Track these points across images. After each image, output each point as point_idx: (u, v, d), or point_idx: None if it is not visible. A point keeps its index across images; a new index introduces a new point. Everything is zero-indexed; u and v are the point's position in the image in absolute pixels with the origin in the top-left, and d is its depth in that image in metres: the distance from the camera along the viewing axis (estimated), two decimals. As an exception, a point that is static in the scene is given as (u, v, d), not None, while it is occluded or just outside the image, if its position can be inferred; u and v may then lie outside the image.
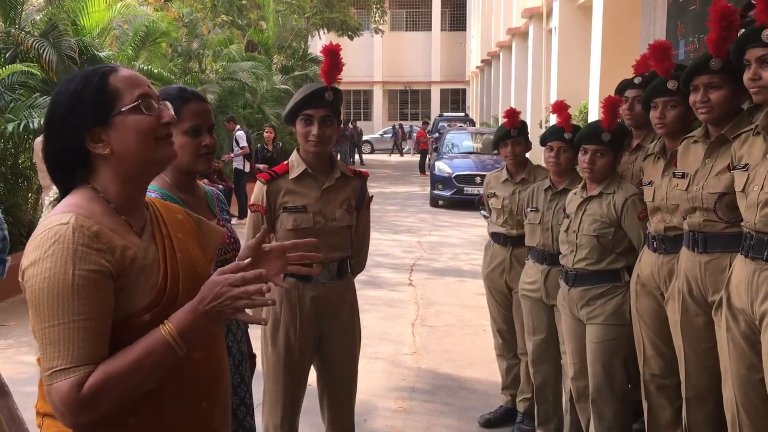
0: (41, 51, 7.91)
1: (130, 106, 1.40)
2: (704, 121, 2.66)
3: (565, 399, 3.61)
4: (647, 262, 2.99)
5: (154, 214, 1.54)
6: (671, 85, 2.88)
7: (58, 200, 1.47)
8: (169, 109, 1.48)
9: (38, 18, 9.11)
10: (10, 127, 7.12)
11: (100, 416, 1.31)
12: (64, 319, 1.28)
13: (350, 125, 25.50)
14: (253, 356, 2.35)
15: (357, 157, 25.44)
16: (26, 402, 2.18)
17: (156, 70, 11.23)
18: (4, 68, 7.72)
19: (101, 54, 9.03)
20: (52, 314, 1.28)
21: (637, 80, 3.49)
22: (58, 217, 1.35)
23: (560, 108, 3.51)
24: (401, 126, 32.24)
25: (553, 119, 3.66)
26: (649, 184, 3.01)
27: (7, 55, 8.32)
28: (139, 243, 1.43)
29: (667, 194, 2.84)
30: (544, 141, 3.52)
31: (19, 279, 1.36)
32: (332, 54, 2.81)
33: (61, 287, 1.28)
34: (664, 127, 2.94)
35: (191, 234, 1.60)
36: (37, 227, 1.38)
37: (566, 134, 3.40)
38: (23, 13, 8.71)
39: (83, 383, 1.27)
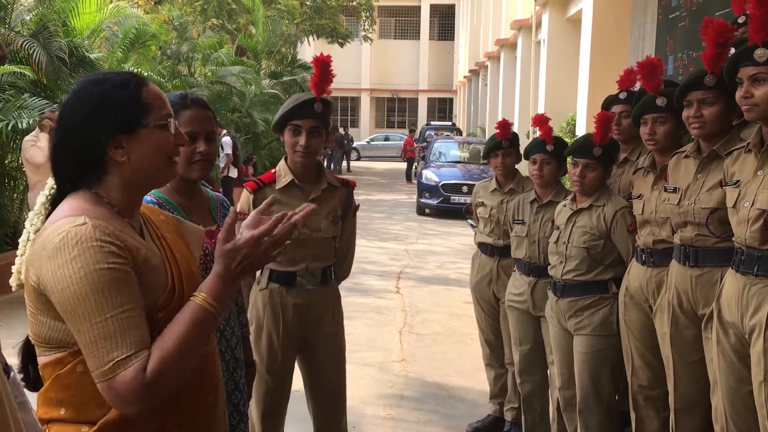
0: (31, 51, 7.88)
1: (159, 123, 1.45)
2: (696, 136, 2.71)
3: (552, 408, 3.65)
4: (636, 274, 3.04)
5: (145, 217, 1.57)
6: (660, 101, 2.94)
7: (53, 198, 1.46)
8: (181, 131, 1.52)
9: (28, 18, 9.06)
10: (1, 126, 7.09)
11: (166, 395, 1.33)
12: (112, 311, 1.29)
13: (341, 132, 25.50)
14: (252, 364, 2.36)
15: (345, 163, 25.45)
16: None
17: (145, 73, 11.19)
18: (-7, 68, 7.67)
19: (91, 55, 8.99)
20: (101, 308, 1.29)
21: (622, 95, 3.56)
22: (70, 219, 1.34)
23: (541, 121, 3.56)
24: (345, 132, 26.63)
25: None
26: (638, 197, 3.06)
27: (-3, 54, 8.27)
28: (145, 243, 1.46)
29: (656, 208, 2.89)
30: (527, 154, 3.57)
31: (32, 283, 1.35)
32: (323, 65, 2.81)
33: (101, 282, 1.29)
34: (655, 143, 3.00)
35: (176, 233, 1.63)
36: (45, 230, 1.36)
37: (548, 146, 3.46)
38: (13, 13, 8.67)
39: (145, 367, 1.29)
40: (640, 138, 3.13)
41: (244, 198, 2.88)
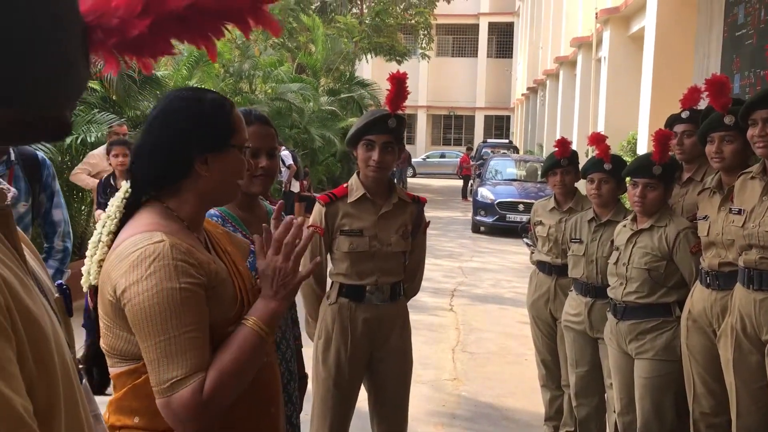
0: (101, 69, 8.19)
1: (242, 145, 1.52)
2: (762, 156, 2.63)
3: (609, 433, 3.56)
4: (699, 297, 2.95)
5: (207, 231, 1.61)
6: (728, 120, 2.86)
7: (129, 201, 1.50)
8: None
9: (99, 37, 9.43)
10: (68, 140, 7.38)
11: (218, 415, 1.37)
12: (177, 331, 1.34)
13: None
14: (305, 377, 2.38)
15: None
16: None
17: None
18: (66, 84, 8.00)
19: (158, 73, 9.30)
20: (166, 328, 1.33)
21: (684, 114, 3.47)
22: (147, 235, 1.38)
23: (598, 139, 3.51)
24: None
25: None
26: (704, 218, 2.98)
27: (69, 71, 8.63)
28: (213, 258, 1.49)
29: (722, 230, 2.81)
30: (585, 173, 3.52)
31: (108, 296, 1.39)
32: (398, 82, 2.86)
33: (170, 302, 1.33)
34: (721, 161, 2.92)
35: (232, 246, 1.66)
36: (121, 245, 1.39)
37: (606, 165, 3.40)
38: (86, 32, 9.03)
39: (202, 389, 1.34)
40: (705, 157, 3.05)
41: (316, 211, 2.92)
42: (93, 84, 8.09)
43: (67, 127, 0.90)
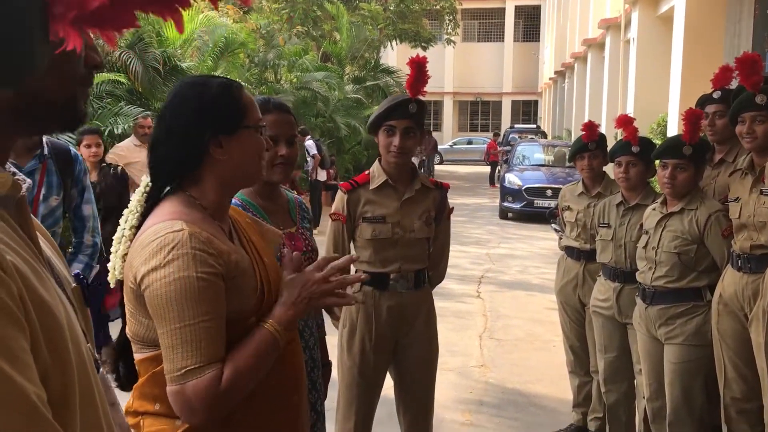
0: (128, 62, 8.28)
1: (256, 125, 1.52)
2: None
3: (638, 419, 3.52)
4: (731, 281, 2.89)
5: (233, 219, 1.60)
6: (760, 99, 2.79)
7: (150, 194, 1.51)
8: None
9: (125, 30, 9.51)
10: (97, 133, 7.48)
11: (227, 411, 1.38)
12: (192, 320, 1.34)
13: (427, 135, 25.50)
14: (328, 364, 2.38)
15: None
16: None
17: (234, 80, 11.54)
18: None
19: (183, 64, 9.36)
20: (182, 315, 1.33)
21: (716, 95, 3.40)
22: (168, 224, 1.39)
23: (625, 122, 3.44)
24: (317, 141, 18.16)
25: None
26: (735, 200, 2.91)
27: (97, 65, 8.74)
28: (235, 248, 1.49)
29: (754, 211, 2.74)
30: (612, 156, 3.46)
31: (130, 284, 1.40)
32: (418, 66, 2.82)
33: (187, 290, 1.34)
34: (753, 141, 2.85)
35: (261, 236, 1.66)
36: (143, 234, 1.41)
37: (634, 147, 3.34)
38: (112, 25, 9.12)
39: (220, 379, 1.34)
40: (737, 138, 2.98)
41: (338, 199, 2.91)
42: (119, 77, 8.18)
43: (80, 116, 0.90)
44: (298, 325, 1.53)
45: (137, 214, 1.50)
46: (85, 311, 1.01)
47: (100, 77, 8.07)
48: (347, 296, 1.58)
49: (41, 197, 3.11)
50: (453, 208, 3.09)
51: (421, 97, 2.79)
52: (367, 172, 2.94)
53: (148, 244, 1.37)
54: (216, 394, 1.34)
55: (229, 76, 10.77)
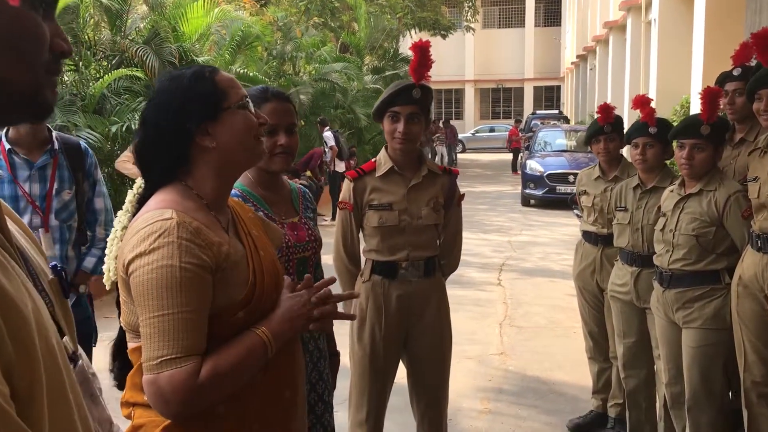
0: (144, 57, 8.32)
1: (239, 103, 1.48)
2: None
3: (658, 405, 3.46)
4: (751, 262, 2.81)
5: (234, 212, 1.58)
6: (778, 74, 2.70)
7: (143, 195, 1.51)
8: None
9: (142, 26, 9.57)
10: (114, 128, 7.54)
11: (201, 408, 1.35)
12: (172, 309, 1.31)
13: (442, 125, 25.36)
14: (336, 354, 2.36)
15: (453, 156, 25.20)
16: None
17: (252, 73, 11.54)
18: (110, 74, 8.16)
19: (200, 59, 9.37)
20: (161, 304, 1.31)
21: (735, 72, 3.31)
22: (158, 212, 1.38)
23: (642, 102, 3.36)
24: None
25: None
26: (754, 179, 2.83)
27: (114, 61, 8.80)
28: (229, 239, 1.47)
29: (772, 190, 2.66)
30: (628, 138, 3.39)
31: (120, 272, 1.40)
32: (421, 51, 2.78)
33: (169, 278, 1.31)
34: (770, 119, 2.76)
35: (263, 232, 1.64)
36: (135, 221, 1.40)
37: (651, 129, 3.26)
38: (128, 21, 9.18)
39: (198, 373, 1.31)
40: (757, 116, 2.89)
41: (345, 187, 2.90)
42: (136, 72, 8.22)
43: (45, 106, 0.88)
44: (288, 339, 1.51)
45: (129, 215, 1.50)
46: (65, 303, 1.00)
47: (117, 73, 8.13)
48: (343, 315, 1.60)
49: (54, 192, 3.13)
50: (464, 194, 3.05)
51: (425, 82, 2.75)
52: (373, 160, 2.91)
53: (138, 232, 1.36)
54: (191, 388, 1.30)
55: (246, 70, 10.79)
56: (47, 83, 0.86)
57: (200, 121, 1.45)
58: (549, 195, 13.25)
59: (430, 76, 2.78)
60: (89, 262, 3.28)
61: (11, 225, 0.92)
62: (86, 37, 8.72)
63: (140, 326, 1.34)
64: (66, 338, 0.96)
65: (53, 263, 1.02)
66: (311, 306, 1.50)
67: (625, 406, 3.62)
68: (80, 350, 1.04)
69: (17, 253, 0.88)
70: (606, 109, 3.73)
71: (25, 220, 3.03)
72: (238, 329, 1.41)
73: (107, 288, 1.51)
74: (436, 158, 23.62)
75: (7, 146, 3.06)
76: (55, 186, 3.14)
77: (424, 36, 24.76)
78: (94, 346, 3.19)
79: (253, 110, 1.51)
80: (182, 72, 1.52)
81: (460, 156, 27.29)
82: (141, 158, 1.50)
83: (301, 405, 1.60)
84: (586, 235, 3.86)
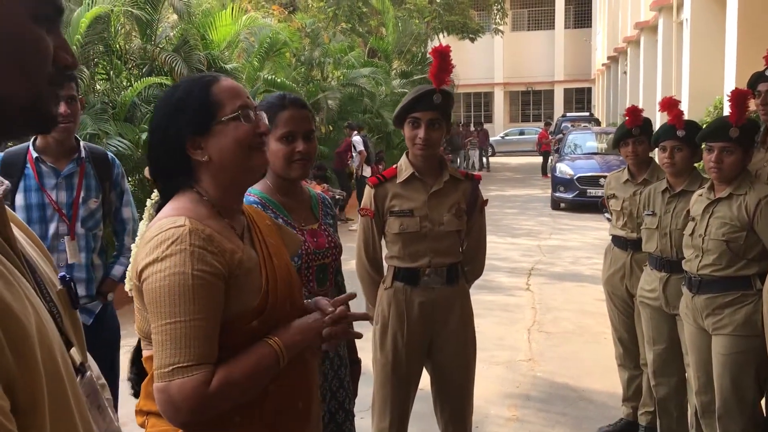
0: (174, 65, 8.42)
1: (230, 116, 1.44)
2: None
3: (690, 413, 3.38)
4: (782, 268, 2.74)
5: (250, 219, 1.58)
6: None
7: (159, 204, 1.52)
8: (264, 119, 1.51)
9: (172, 34, 9.69)
10: (144, 136, 7.63)
11: (210, 416, 1.34)
12: (184, 317, 1.31)
13: (474, 129, 25.22)
14: (357, 362, 2.34)
15: (484, 160, 25.02)
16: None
17: (280, 80, 11.62)
18: (140, 81, 8.28)
19: (228, 66, 9.47)
20: (173, 311, 1.31)
21: None
22: (171, 219, 1.38)
23: (670, 104, 3.30)
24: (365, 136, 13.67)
25: (687, 115, 3.43)
26: (784, 183, 2.75)
27: (144, 69, 8.93)
28: (243, 246, 1.46)
29: (804, 194, 2.59)
30: (656, 141, 3.33)
31: (134, 279, 1.41)
32: (441, 56, 2.77)
33: (182, 285, 1.31)
34: (802, 120, 2.69)
35: (279, 239, 1.63)
36: (149, 229, 1.41)
37: (679, 132, 3.20)
38: (158, 29, 9.31)
39: (210, 381, 1.31)
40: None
41: (366, 194, 2.89)
42: (165, 79, 8.32)
43: (49, 118, 0.88)
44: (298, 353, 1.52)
45: (148, 223, 1.51)
46: (73, 314, 1.00)
47: (147, 81, 8.24)
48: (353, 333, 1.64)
49: (80, 200, 3.17)
50: (487, 200, 3.02)
51: (446, 87, 2.73)
52: (394, 166, 2.89)
53: (152, 239, 1.37)
54: (203, 396, 1.30)
55: (275, 76, 10.85)
56: (50, 96, 0.87)
57: (190, 135, 1.44)
58: (579, 198, 13.09)
59: (450, 81, 2.76)
60: (117, 270, 3.32)
61: (18, 234, 0.93)
62: (117, 46, 8.86)
63: (152, 333, 1.35)
64: (73, 349, 0.96)
65: (62, 274, 1.02)
66: (325, 323, 1.51)
67: (656, 414, 3.55)
68: (90, 361, 1.04)
69: (23, 262, 0.88)
70: (634, 112, 3.68)
71: (52, 228, 3.07)
72: (251, 338, 1.40)
73: (130, 294, 1.52)
74: (469, 163, 23.50)
75: (35, 155, 3.11)
76: (82, 194, 3.18)
77: (453, 40, 24.74)
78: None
79: (252, 118, 1.47)
80: (181, 83, 1.53)
81: (490, 159, 27.13)
82: (152, 167, 1.52)
83: (315, 416, 1.58)
84: (616, 240, 3.81)
